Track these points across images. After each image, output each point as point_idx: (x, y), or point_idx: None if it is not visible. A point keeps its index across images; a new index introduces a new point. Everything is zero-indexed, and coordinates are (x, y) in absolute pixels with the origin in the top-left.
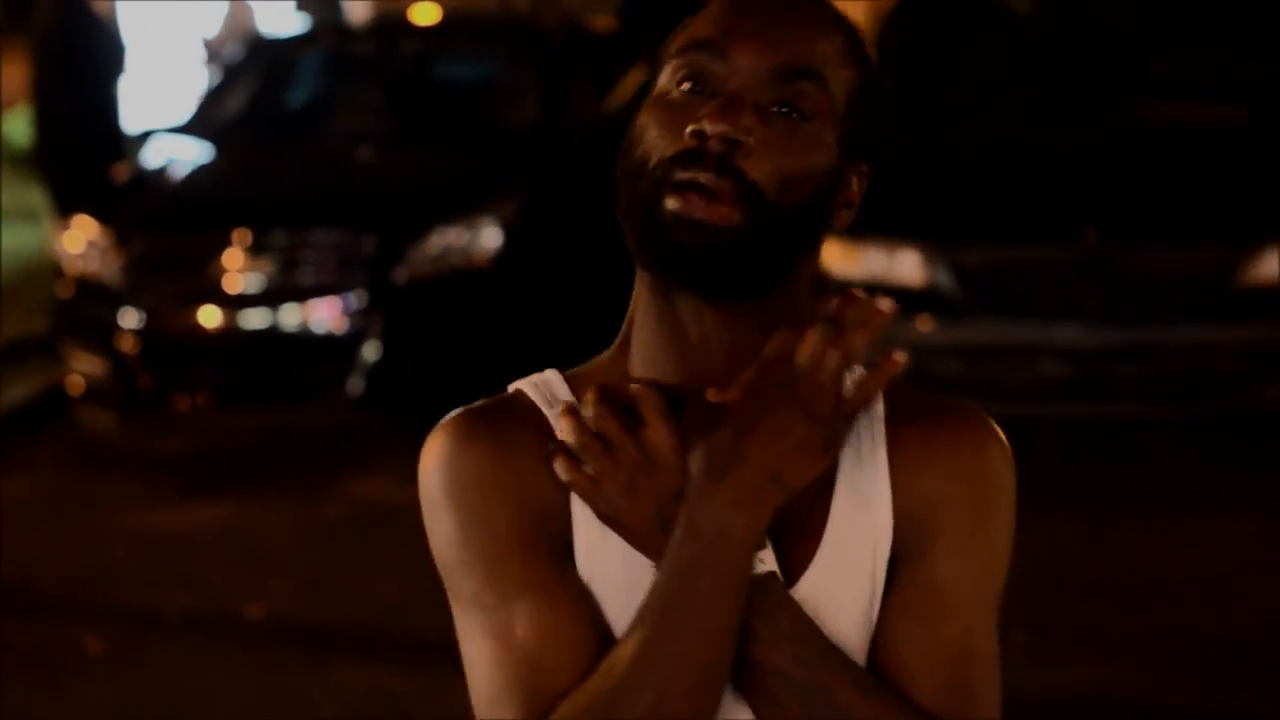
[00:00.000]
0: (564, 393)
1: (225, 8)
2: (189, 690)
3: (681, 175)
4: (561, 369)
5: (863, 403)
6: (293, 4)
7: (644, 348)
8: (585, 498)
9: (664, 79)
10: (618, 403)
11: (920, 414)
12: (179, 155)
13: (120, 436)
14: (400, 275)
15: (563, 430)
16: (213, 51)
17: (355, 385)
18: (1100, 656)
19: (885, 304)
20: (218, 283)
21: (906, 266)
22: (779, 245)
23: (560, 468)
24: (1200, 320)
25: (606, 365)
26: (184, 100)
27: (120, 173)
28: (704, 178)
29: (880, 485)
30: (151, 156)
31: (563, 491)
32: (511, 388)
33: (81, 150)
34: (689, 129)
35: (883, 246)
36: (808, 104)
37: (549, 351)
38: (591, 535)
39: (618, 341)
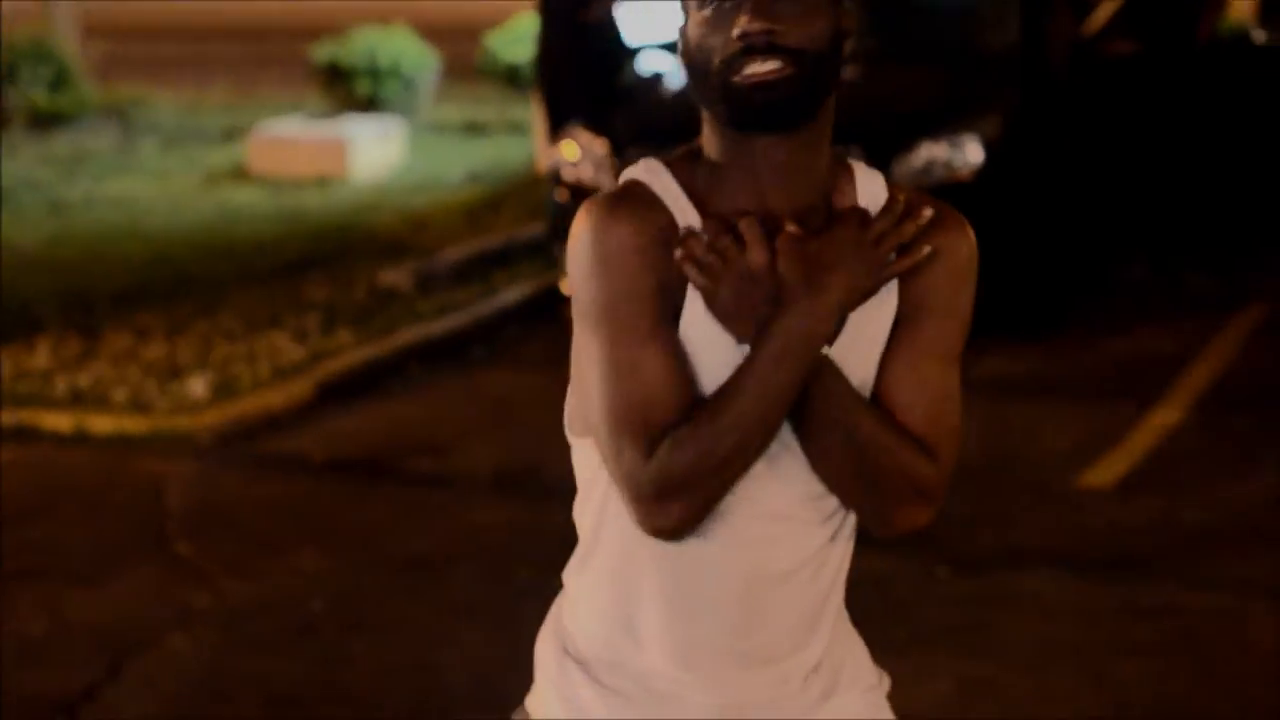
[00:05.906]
0: (674, 187)
1: None
2: None
3: (745, 63)
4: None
5: (897, 273)
6: None
7: (726, 181)
8: (704, 295)
9: (695, 4)
10: (726, 225)
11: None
12: (672, 70)
13: None
14: None
15: (689, 248)
16: None
17: None
18: None
19: (926, 213)
20: None
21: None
22: (820, 78)
23: (691, 274)
24: None
25: (687, 169)
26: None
27: (617, 86)
28: (762, 63)
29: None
30: (644, 71)
31: (680, 272)
32: (625, 177)
33: (581, 65)
34: (736, 33)
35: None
36: None
37: (1030, 268)
38: (695, 311)
39: (685, 151)
